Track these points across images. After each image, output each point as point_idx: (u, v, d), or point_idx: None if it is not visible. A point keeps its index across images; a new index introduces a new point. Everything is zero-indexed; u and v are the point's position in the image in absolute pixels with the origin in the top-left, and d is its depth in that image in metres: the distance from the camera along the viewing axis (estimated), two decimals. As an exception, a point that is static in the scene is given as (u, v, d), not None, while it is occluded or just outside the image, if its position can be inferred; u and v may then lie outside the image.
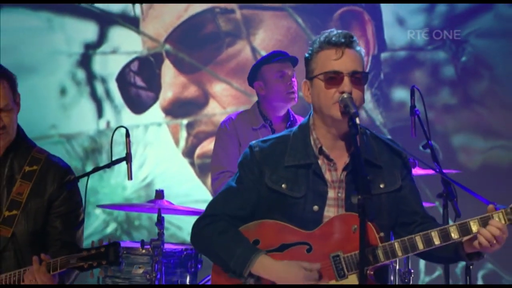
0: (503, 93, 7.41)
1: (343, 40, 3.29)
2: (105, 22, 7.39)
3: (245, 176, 3.45)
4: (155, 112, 7.39)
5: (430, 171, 5.49)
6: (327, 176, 3.32)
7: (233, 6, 7.32)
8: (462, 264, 7.02)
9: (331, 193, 3.30)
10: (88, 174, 4.95)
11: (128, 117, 7.34)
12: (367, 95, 7.22)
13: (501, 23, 7.34)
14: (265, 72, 5.67)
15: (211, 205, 3.55)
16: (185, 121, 7.14)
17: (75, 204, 4.02)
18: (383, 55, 7.40)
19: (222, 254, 3.39)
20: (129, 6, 7.32)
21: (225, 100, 7.00)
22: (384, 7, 7.33)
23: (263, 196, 3.39)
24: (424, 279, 7.24)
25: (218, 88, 7.16)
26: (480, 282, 7.44)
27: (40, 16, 7.28)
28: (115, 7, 7.32)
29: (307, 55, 3.39)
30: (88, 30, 7.42)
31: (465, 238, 3.18)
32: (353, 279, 3.26)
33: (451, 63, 7.38)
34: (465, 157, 7.40)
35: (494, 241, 3.12)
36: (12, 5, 7.27)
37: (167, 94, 7.39)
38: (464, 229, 3.16)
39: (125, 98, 7.39)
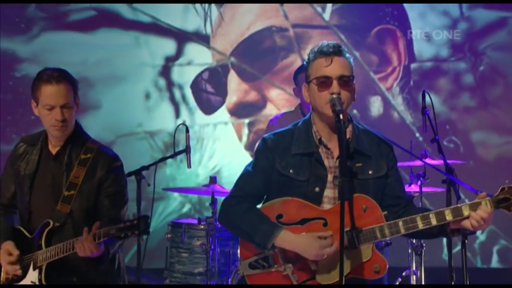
0: (515, 97, 7.98)
1: (331, 50, 3.55)
2: (182, 39, 7.85)
3: (260, 161, 3.72)
4: (222, 113, 7.83)
5: (440, 161, 5.65)
6: (326, 162, 3.59)
7: (287, 25, 7.72)
8: (480, 239, 7.78)
9: (329, 177, 3.58)
10: (155, 163, 5.65)
11: (200, 117, 7.85)
12: (399, 99, 7.74)
13: (513, 38, 7.87)
14: (300, 80, 5.87)
15: (235, 187, 3.79)
16: (247, 121, 7.59)
17: (121, 186, 4.24)
18: (413, 66, 7.82)
19: (248, 230, 3.63)
20: (201, 25, 7.77)
21: (279, 103, 7.28)
22: (413, 25, 7.70)
23: (274, 179, 3.68)
24: (447, 252, 6.88)
25: (274, 93, 7.56)
26: (495, 255, 7.74)
27: (130, 34, 7.79)
28: (190, 27, 7.79)
29: (305, 63, 3.68)
30: (168, 46, 7.91)
31: (456, 219, 3.42)
32: (363, 250, 3.48)
33: (471, 72, 7.78)
34: (482, 150, 7.80)
35: (483, 223, 3.35)
36: (107, 26, 7.77)
37: (232, 98, 7.85)
38: (457, 213, 3.41)
39: (197, 101, 7.88)
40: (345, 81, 3.49)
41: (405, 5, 7.77)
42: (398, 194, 3.63)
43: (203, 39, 7.90)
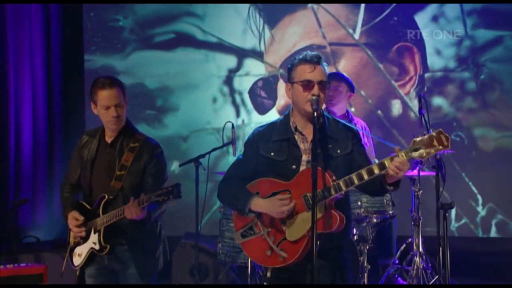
0: (509, 100, 8.21)
1: (315, 60, 3.74)
2: (241, 55, 8.40)
3: (247, 151, 3.94)
4: (273, 114, 8.37)
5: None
6: (301, 146, 3.79)
7: (325, 43, 8.27)
8: (481, 214, 8.19)
9: (304, 157, 3.78)
10: (209, 153, 6.24)
11: (255, 117, 8.36)
12: (415, 102, 7.90)
13: (508, 52, 8.14)
14: None
15: (228, 171, 4.04)
16: None
17: (161, 167, 4.43)
18: (426, 75, 8.27)
19: (232, 201, 3.90)
20: (256, 44, 8.32)
21: None
22: (427, 42, 8.17)
23: (260, 163, 3.86)
24: (454, 225, 8.18)
25: None
26: (493, 227, 8.13)
27: (201, 52, 8.38)
28: (248, 45, 8.36)
29: (289, 66, 3.82)
30: (230, 61, 8.44)
31: (383, 172, 3.57)
32: (318, 208, 3.62)
33: (473, 80, 8.23)
34: (483, 143, 8.25)
35: (398, 171, 3.52)
36: (184, 45, 8.37)
37: (281, 101, 8.37)
38: (381, 165, 3.57)
39: (253, 104, 8.44)
40: (323, 85, 3.74)
41: (420, 25, 8.20)
42: (360, 164, 3.76)
43: (258, 55, 8.39)
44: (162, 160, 4.46)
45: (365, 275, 6.07)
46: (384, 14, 8.30)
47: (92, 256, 4.39)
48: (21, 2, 7.85)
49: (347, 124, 3.93)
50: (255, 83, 8.48)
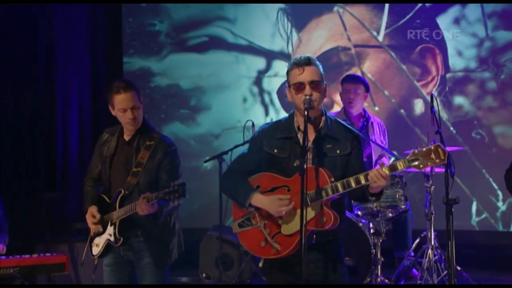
0: (529, 99, 8.19)
1: (303, 61, 3.78)
2: (270, 57, 8.54)
3: (252, 146, 3.99)
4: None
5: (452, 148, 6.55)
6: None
7: (350, 45, 8.37)
8: (502, 209, 8.21)
9: (306, 156, 3.70)
10: (231, 150, 6.34)
11: (283, 115, 6.69)
12: (437, 101, 7.90)
13: (528, 53, 8.10)
14: (341, 88, 6.84)
15: (231, 164, 4.14)
16: None
17: (175, 164, 4.48)
18: (448, 75, 8.32)
19: (234, 193, 3.94)
20: (284, 46, 8.43)
21: (342, 104, 7.08)
22: (449, 43, 8.25)
23: (263, 158, 3.90)
24: (474, 219, 8.25)
25: (338, 97, 7.39)
26: None
27: (231, 54, 8.54)
28: (276, 48, 8.47)
29: (286, 71, 3.87)
30: (259, 62, 8.58)
31: (367, 182, 3.63)
32: (313, 206, 3.71)
33: (493, 80, 8.26)
34: (503, 140, 8.29)
35: (375, 180, 3.60)
36: (215, 48, 8.53)
37: None
38: (366, 176, 3.64)
39: (281, 104, 8.56)
40: (316, 84, 3.75)
41: (442, 27, 8.27)
42: (355, 169, 3.82)
43: (286, 56, 8.47)
44: (176, 157, 4.52)
45: (379, 267, 6.27)
46: (407, 17, 8.38)
47: (108, 246, 4.51)
48: (69, 2, 8.11)
49: (349, 126, 3.95)
50: (283, 83, 8.49)
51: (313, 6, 8.52)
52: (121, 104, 4.42)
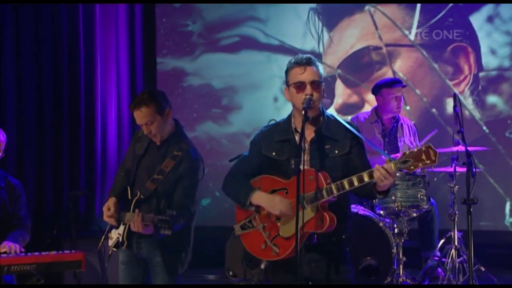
0: None
1: (305, 61, 3.76)
2: None
3: (252, 149, 3.99)
4: (331, 112, 7.03)
5: (477, 147, 6.71)
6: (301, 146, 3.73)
7: (381, 44, 8.34)
8: None
9: (304, 157, 3.75)
10: None
11: None
12: (469, 100, 8.24)
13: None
14: (385, 93, 6.71)
15: (233, 167, 4.11)
16: (349, 117, 7.50)
17: (194, 183, 4.46)
18: (481, 74, 8.27)
19: (235, 194, 3.95)
20: (316, 46, 8.41)
21: (374, 103, 7.19)
22: (482, 42, 8.18)
23: (263, 161, 3.91)
24: (508, 219, 8.18)
25: (370, 97, 7.84)
26: None
27: (263, 54, 8.55)
28: (307, 47, 8.42)
29: (285, 70, 3.86)
30: None
31: (373, 180, 3.61)
32: (311, 208, 3.71)
33: None
34: None
35: (383, 178, 3.57)
36: (247, 48, 8.53)
37: (338, 100, 8.51)
38: (370, 174, 3.62)
39: None
40: (316, 84, 3.76)
41: (475, 26, 8.23)
42: (357, 167, 3.82)
43: (317, 56, 7.32)
44: (197, 175, 4.50)
45: (401, 266, 6.22)
46: (439, 16, 8.34)
47: (118, 243, 4.53)
48: (109, 2, 8.23)
49: (349, 125, 3.90)
50: None
51: (345, 6, 8.51)
52: (137, 121, 4.47)
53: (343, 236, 3.91)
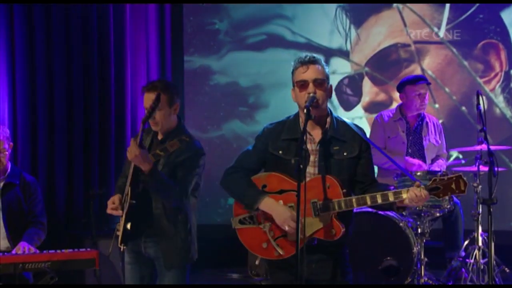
0: None
1: (307, 60, 3.76)
2: (328, 54, 8.42)
3: (257, 145, 3.91)
4: (358, 110, 8.42)
5: (500, 147, 6.66)
6: (309, 146, 3.75)
7: (409, 42, 8.26)
8: None
9: (311, 158, 3.75)
10: None
11: (341, 113, 8.21)
12: (500, 98, 8.14)
13: None
14: (408, 90, 6.65)
15: (235, 161, 4.00)
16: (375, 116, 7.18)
17: (194, 168, 4.38)
18: None
19: (239, 193, 3.86)
20: (343, 44, 8.35)
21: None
22: None
23: (268, 158, 3.85)
24: None
25: (398, 95, 7.17)
26: None
27: (290, 52, 8.46)
28: (334, 45, 8.41)
29: (291, 71, 3.86)
30: None
31: (397, 200, 3.63)
32: (323, 217, 3.69)
33: None
34: None
35: (414, 203, 3.62)
36: (274, 46, 8.52)
37: (366, 98, 8.44)
38: (397, 195, 3.62)
39: (339, 101, 8.48)
40: (319, 83, 3.72)
41: (506, 22, 8.12)
42: (366, 173, 3.83)
43: (344, 54, 8.47)
44: (197, 162, 4.43)
45: (422, 267, 6.11)
46: (469, 12, 8.23)
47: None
48: (139, 2, 8.29)
49: (356, 128, 3.89)
50: (341, 80, 8.55)
51: (372, 4, 8.48)
52: (144, 102, 4.42)
53: (344, 239, 3.86)
